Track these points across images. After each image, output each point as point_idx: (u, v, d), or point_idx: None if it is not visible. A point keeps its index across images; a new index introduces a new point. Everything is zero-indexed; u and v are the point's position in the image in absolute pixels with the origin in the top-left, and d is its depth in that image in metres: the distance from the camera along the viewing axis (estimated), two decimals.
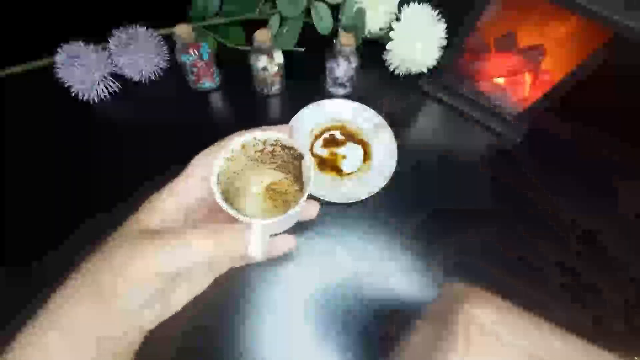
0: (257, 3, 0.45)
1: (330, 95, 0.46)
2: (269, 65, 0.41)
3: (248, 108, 0.45)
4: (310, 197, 0.33)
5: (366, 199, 0.38)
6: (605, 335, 0.34)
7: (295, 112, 0.43)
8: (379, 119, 0.43)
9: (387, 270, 0.36)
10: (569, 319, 0.21)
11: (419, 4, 0.44)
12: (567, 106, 0.43)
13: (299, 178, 0.29)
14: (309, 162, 0.26)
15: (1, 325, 0.24)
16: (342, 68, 0.42)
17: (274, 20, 0.44)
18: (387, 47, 0.45)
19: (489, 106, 0.46)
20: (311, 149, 0.42)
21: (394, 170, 0.40)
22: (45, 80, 0.41)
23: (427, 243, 0.37)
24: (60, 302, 0.21)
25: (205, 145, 0.27)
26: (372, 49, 0.47)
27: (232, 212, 0.23)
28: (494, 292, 0.20)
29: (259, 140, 0.27)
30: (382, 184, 0.39)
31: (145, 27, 0.43)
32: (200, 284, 0.26)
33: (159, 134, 0.41)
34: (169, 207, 0.24)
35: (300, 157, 0.27)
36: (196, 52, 0.40)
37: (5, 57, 0.43)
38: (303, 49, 0.45)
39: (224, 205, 0.23)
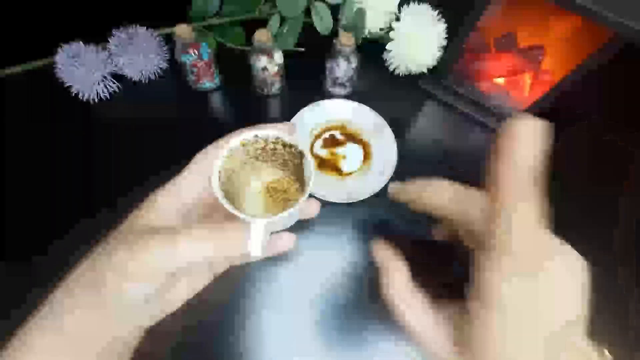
0: (257, 3, 0.45)
1: (330, 95, 0.46)
2: (269, 65, 0.41)
3: (248, 108, 0.46)
4: (311, 196, 0.33)
5: (366, 199, 0.38)
6: None
7: (295, 112, 0.43)
8: (379, 119, 0.43)
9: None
10: None
11: (419, 4, 0.44)
12: (567, 106, 0.43)
13: (299, 176, 0.29)
14: (310, 160, 0.26)
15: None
16: (342, 68, 0.42)
17: (274, 20, 0.44)
18: (387, 47, 0.45)
19: (489, 106, 0.46)
20: (311, 149, 0.42)
21: (394, 170, 0.40)
22: (45, 80, 0.41)
23: (427, 242, 0.37)
24: (58, 300, 0.21)
25: (205, 145, 0.27)
26: (372, 49, 0.47)
27: (233, 211, 0.23)
28: None
29: (260, 138, 0.27)
30: (382, 184, 0.39)
31: (145, 27, 0.43)
32: (199, 281, 0.26)
33: (159, 134, 0.41)
34: (170, 205, 0.24)
35: (301, 155, 0.27)
36: (196, 52, 0.40)
37: (5, 57, 0.43)
38: (303, 49, 0.45)
39: (225, 204, 0.23)
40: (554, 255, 0.19)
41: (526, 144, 0.17)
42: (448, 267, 0.28)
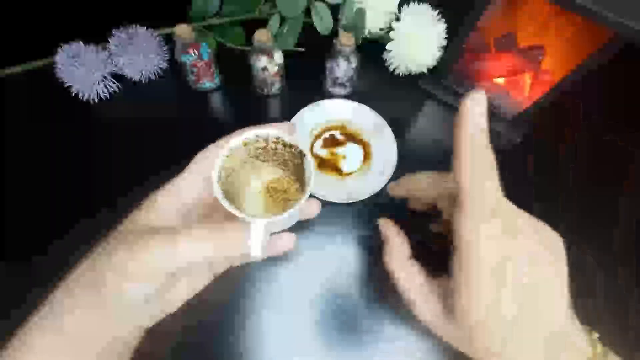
0: (257, 3, 0.45)
1: (330, 95, 0.46)
2: (269, 65, 0.41)
3: (248, 108, 0.46)
4: (311, 196, 0.33)
5: (366, 199, 0.38)
6: None
7: (295, 112, 0.43)
8: (379, 119, 0.43)
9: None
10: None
11: (419, 4, 0.44)
12: (567, 106, 0.43)
13: (299, 176, 0.29)
14: (310, 161, 0.26)
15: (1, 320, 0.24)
16: (342, 68, 0.42)
17: (274, 20, 0.44)
18: (387, 47, 0.45)
19: (489, 106, 0.46)
20: (311, 149, 0.42)
21: (394, 170, 0.40)
22: (45, 80, 0.41)
23: (426, 241, 0.37)
24: (58, 300, 0.21)
25: (205, 146, 0.27)
26: (372, 49, 0.47)
27: (233, 211, 0.23)
28: None
29: (260, 137, 0.27)
30: (383, 184, 0.39)
31: (145, 27, 0.43)
32: (199, 282, 0.26)
33: (159, 134, 0.41)
34: (170, 205, 0.24)
35: (301, 155, 0.27)
36: (196, 52, 0.40)
37: (5, 57, 0.43)
38: (303, 49, 0.45)
39: (225, 204, 0.23)
40: (522, 215, 0.21)
41: (475, 113, 0.19)
42: (447, 260, 0.28)
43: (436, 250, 0.30)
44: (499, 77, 0.46)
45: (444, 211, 0.28)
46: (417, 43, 0.44)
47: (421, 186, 0.28)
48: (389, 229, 0.27)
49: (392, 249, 0.26)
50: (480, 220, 0.19)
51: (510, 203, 0.22)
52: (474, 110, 0.19)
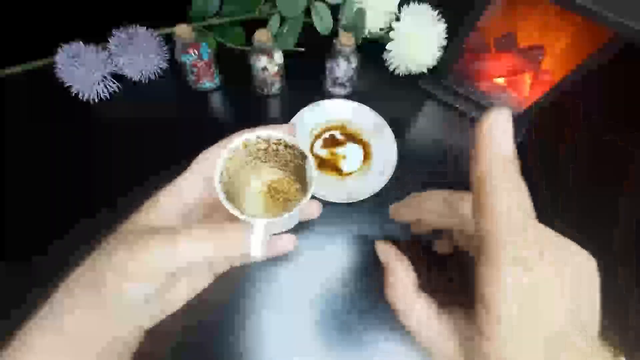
0: (257, 3, 0.45)
1: (330, 95, 0.46)
2: (269, 65, 0.41)
3: (248, 108, 0.46)
4: (311, 197, 0.33)
5: (366, 199, 0.38)
6: None
7: (295, 112, 0.43)
8: (379, 119, 0.43)
9: None
10: None
11: (419, 4, 0.44)
12: (567, 106, 0.43)
13: (300, 177, 0.29)
14: (312, 162, 0.26)
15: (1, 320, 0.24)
16: (342, 68, 0.42)
17: (274, 20, 0.44)
18: (387, 47, 0.45)
19: (489, 106, 0.46)
20: (311, 149, 0.42)
21: (394, 170, 0.40)
22: (45, 80, 0.41)
23: (428, 243, 0.37)
24: (58, 300, 0.21)
25: (205, 146, 0.27)
26: (372, 49, 0.47)
27: (235, 212, 0.23)
28: None
29: (262, 139, 0.27)
30: (382, 184, 0.39)
31: (145, 27, 0.43)
32: (199, 282, 0.26)
33: (159, 134, 0.41)
34: (171, 205, 0.24)
35: (303, 156, 0.27)
36: (196, 52, 0.40)
37: (5, 57, 0.43)
38: (303, 49, 0.45)
39: (227, 205, 0.23)
40: (552, 246, 0.18)
41: (505, 131, 0.15)
42: (450, 265, 0.27)
43: (435, 250, 0.30)
44: (499, 77, 0.46)
45: (457, 236, 0.24)
46: (417, 43, 0.44)
47: (432, 207, 0.23)
48: (389, 255, 0.23)
49: (394, 280, 0.22)
50: (507, 268, 0.15)
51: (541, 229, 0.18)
52: (497, 132, 0.15)
